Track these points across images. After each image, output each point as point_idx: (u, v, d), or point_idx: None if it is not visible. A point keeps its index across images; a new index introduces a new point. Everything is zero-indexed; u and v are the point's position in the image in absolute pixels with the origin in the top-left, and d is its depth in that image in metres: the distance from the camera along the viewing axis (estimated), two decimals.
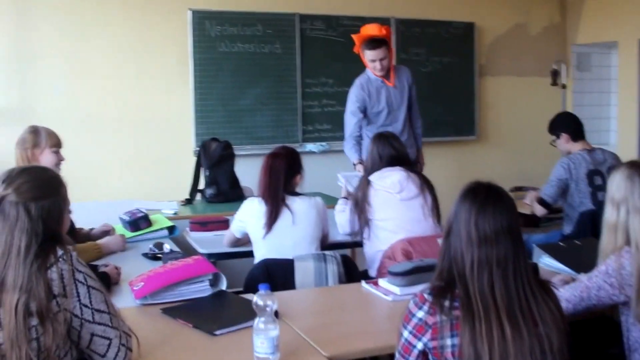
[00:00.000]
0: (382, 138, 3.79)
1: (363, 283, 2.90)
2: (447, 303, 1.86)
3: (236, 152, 5.29)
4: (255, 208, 3.41)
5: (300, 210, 3.40)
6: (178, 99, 6.01)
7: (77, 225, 3.73)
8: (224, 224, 3.90)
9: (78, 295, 1.83)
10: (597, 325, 2.68)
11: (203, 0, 6.02)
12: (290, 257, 3.21)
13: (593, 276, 2.42)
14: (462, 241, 1.91)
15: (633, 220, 2.37)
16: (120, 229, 3.79)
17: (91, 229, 3.78)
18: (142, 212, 3.83)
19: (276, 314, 2.41)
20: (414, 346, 1.89)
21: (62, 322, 1.79)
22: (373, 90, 4.87)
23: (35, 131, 3.54)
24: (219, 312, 2.49)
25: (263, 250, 3.37)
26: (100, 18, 5.74)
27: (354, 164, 4.75)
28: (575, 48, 7.47)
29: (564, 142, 4.43)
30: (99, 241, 3.50)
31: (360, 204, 3.63)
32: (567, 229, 4.31)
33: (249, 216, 3.44)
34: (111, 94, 5.83)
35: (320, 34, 6.44)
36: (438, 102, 6.81)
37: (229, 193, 4.95)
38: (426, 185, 3.67)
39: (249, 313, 2.19)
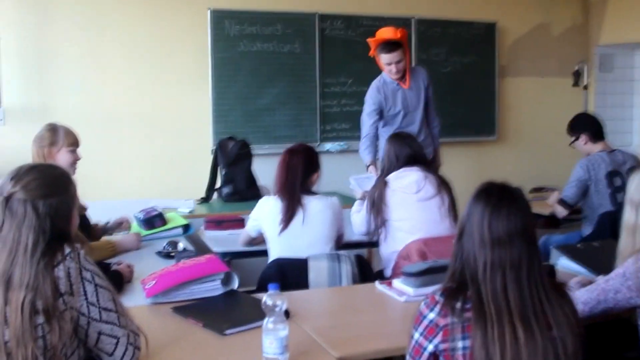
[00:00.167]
0: (398, 138, 3.77)
1: (377, 283, 2.86)
2: (458, 305, 1.83)
3: (254, 152, 5.29)
4: (270, 206, 3.39)
5: (316, 210, 3.36)
6: (196, 98, 6.01)
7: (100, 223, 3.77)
8: (239, 223, 3.89)
9: (85, 294, 1.82)
10: (614, 328, 2.62)
11: (223, 0, 6.02)
12: (304, 256, 3.19)
13: (610, 279, 2.37)
14: (475, 243, 1.87)
15: None
16: (135, 227, 3.79)
17: (106, 223, 3.80)
18: (156, 210, 3.82)
19: (287, 313, 2.40)
20: (425, 348, 1.86)
21: (69, 321, 1.78)
22: (389, 92, 4.87)
23: (53, 129, 3.52)
24: (229, 312, 2.47)
25: (277, 249, 3.35)
26: (120, 17, 5.76)
27: (367, 166, 4.76)
28: (598, 49, 7.37)
29: (584, 143, 4.38)
30: (114, 239, 3.50)
31: (376, 204, 3.59)
32: (587, 230, 4.26)
33: (263, 214, 3.43)
34: (130, 93, 5.85)
35: (340, 34, 6.42)
36: (458, 103, 6.77)
37: (246, 192, 4.94)
38: (443, 185, 3.63)
39: (259, 313, 2.16)
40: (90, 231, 3.55)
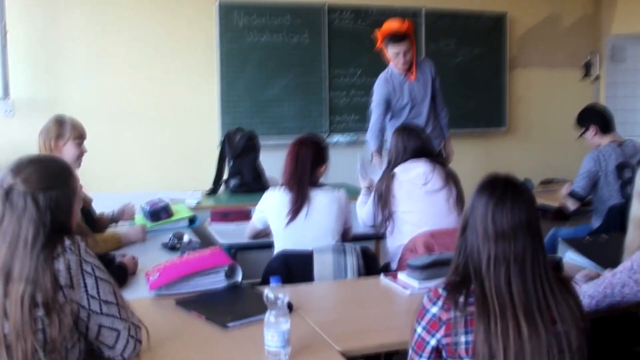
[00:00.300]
0: (405, 130, 3.74)
1: (381, 277, 2.85)
2: (461, 299, 1.81)
3: (262, 143, 5.27)
4: (276, 199, 3.36)
5: (322, 203, 3.32)
6: (204, 90, 6.00)
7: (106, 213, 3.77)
8: (245, 215, 3.87)
9: (85, 287, 1.81)
10: (622, 322, 2.60)
11: None
12: (309, 249, 3.17)
13: (617, 272, 2.34)
14: (479, 236, 1.85)
15: None
16: (140, 218, 3.79)
17: (112, 213, 3.79)
18: (162, 202, 3.81)
19: (290, 307, 2.39)
20: (428, 342, 1.84)
21: (69, 314, 1.77)
22: (397, 84, 4.89)
23: (60, 121, 3.49)
24: (232, 305, 2.45)
25: (283, 242, 3.32)
26: (127, 8, 5.75)
27: (371, 153, 4.81)
28: (608, 40, 7.31)
29: (592, 135, 4.33)
30: (120, 231, 3.49)
31: (383, 196, 3.57)
32: (596, 222, 4.22)
33: (269, 206, 3.40)
34: (137, 85, 5.84)
35: (348, 25, 6.38)
36: (468, 94, 6.73)
37: (253, 184, 4.93)
38: (451, 177, 3.60)
39: (262, 306, 2.14)
40: (96, 223, 3.54)
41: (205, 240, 3.73)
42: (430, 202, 3.51)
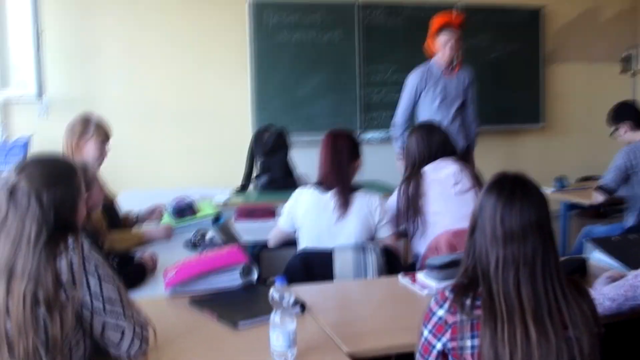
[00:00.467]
0: (425, 127, 3.69)
1: (400, 276, 2.80)
2: (468, 302, 1.76)
3: (295, 140, 5.27)
4: (306, 197, 3.27)
5: (355, 207, 3.21)
6: (237, 88, 6.03)
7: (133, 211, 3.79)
8: (270, 213, 3.86)
9: (88, 285, 1.81)
10: None
11: None
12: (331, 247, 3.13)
13: (639, 274, 2.26)
14: (487, 238, 1.80)
15: None
16: (167, 217, 3.79)
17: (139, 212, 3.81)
18: (187, 199, 3.81)
19: (303, 307, 2.37)
20: (434, 346, 1.80)
21: (71, 312, 1.77)
22: (431, 78, 5.03)
23: (85, 120, 3.51)
24: (245, 304, 2.43)
25: (307, 242, 3.26)
26: (160, 8, 5.82)
27: (396, 156, 5.09)
28: None
29: (624, 132, 4.24)
30: (144, 229, 3.51)
31: (412, 196, 3.49)
32: (629, 221, 4.12)
33: (300, 204, 3.28)
34: (170, 83, 5.90)
35: (381, 22, 6.34)
36: (503, 90, 6.64)
37: (283, 181, 4.91)
38: (477, 179, 3.53)
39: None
40: (119, 220, 3.55)
41: (229, 238, 3.73)
42: (459, 202, 3.42)
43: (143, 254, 2.96)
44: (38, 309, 1.72)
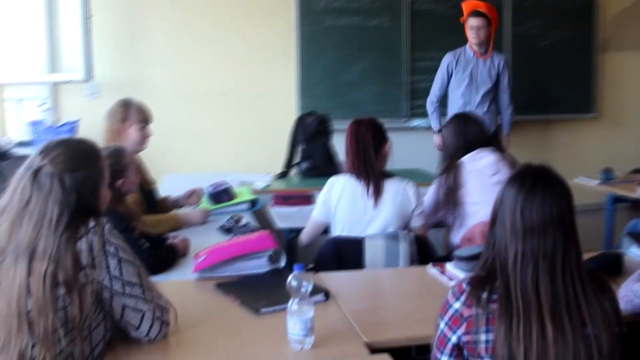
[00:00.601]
0: (462, 117, 3.66)
1: (429, 267, 2.77)
2: (484, 295, 1.73)
3: (340, 127, 5.22)
4: (340, 183, 3.25)
5: (388, 194, 3.19)
6: (282, 73, 6.05)
7: (175, 195, 3.83)
8: (307, 199, 3.87)
9: (108, 267, 1.85)
10: None
11: None
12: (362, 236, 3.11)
13: None
14: (507, 231, 1.77)
15: None
16: (205, 201, 3.83)
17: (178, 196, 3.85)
18: (225, 185, 3.84)
19: (327, 294, 2.37)
20: (449, 339, 1.78)
21: (90, 294, 1.80)
22: (462, 59, 5.28)
23: (126, 105, 3.54)
24: (269, 290, 2.44)
25: (340, 229, 3.24)
26: None
27: (434, 132, 5.38)
28: None
29: None
30: (180, 213, 3.55)
31: (450, 187, 3.46)
32: None
33: (334, 192, 3.25)
34: (217, 68, 5.95)
35: (429, 7, 6.26)
36: (555, 78, 6.50)
37: (324, 167, 4.89)
38: (515, 166, 3.46)
39: None
40: (158, 204, 3.60)
41: (265, 224, 3.75)
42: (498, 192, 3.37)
43: (175, 238, 2.99)
44: (58, 290, 1.75)
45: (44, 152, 1.87)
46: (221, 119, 6.00)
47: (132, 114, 3.51)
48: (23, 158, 1.90)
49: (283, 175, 4.99)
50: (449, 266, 2.69)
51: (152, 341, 1.97)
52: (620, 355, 1.73)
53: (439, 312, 1.83)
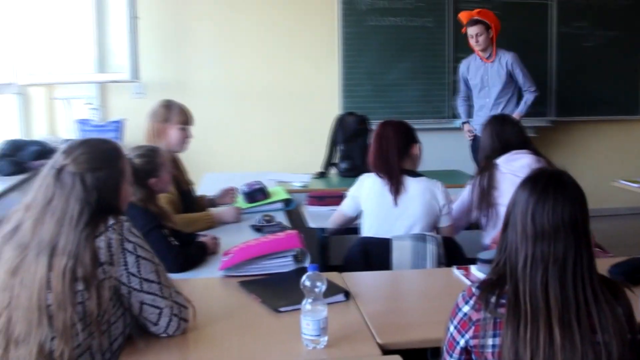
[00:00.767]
0: (499, 119, 3.63)
1: (453, 269, 2.76)
2: (493, 299, 1.73)
3: None
4: (370, 182, 3.31)
5: (414, 192, 3.22)
6: (325, 73, 6.09)
7: (210, 194, 3.91)
8: (340, 199, 3.86)
9: (126, 264, 1.91)
10: None
11: None
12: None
13: None
14: (518, 235, 1.76)
15: None
16: (240, 200, 3.89)
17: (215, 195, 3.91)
18: (260, 184, 3.89)
19: (347, 294, 2.39)
20: (457, 342, 1.79)
21: (108, 289, 1.87)
22: (473, 66, 5.59)
23: (167, 105, 3.59)
24: (291, 289, 2.45)
25: (368, 228, 3.28)
26: None
27: (462, 123, 5.72)
28: None
29: None
30: (214, 211, 3.60)
31: (485, 189, 3.45)
32: None
33: (363, 189, 3.34)
34: (260, 68, 6.02)
35: (473, 7, 6.17)
36: (601, 79, 6.38)
37: (363, 168, 4.85)
38: None
39: None
40: (195, 203, 3.66)
41: (299, 224, 3.78)
42: None
43: (205, 235, 3.05)
44: (76, 285, 1.82)
45: (67, 151, 1.94)
46: (263, 118, 6.07)
47: (173, 114, 3.57)
48: None
49: (321, 175, 5.03)
50: (473, 269, 2.68)
51: (170, 337, 2.03)
52: None
53: (450, 315, 1.83)
